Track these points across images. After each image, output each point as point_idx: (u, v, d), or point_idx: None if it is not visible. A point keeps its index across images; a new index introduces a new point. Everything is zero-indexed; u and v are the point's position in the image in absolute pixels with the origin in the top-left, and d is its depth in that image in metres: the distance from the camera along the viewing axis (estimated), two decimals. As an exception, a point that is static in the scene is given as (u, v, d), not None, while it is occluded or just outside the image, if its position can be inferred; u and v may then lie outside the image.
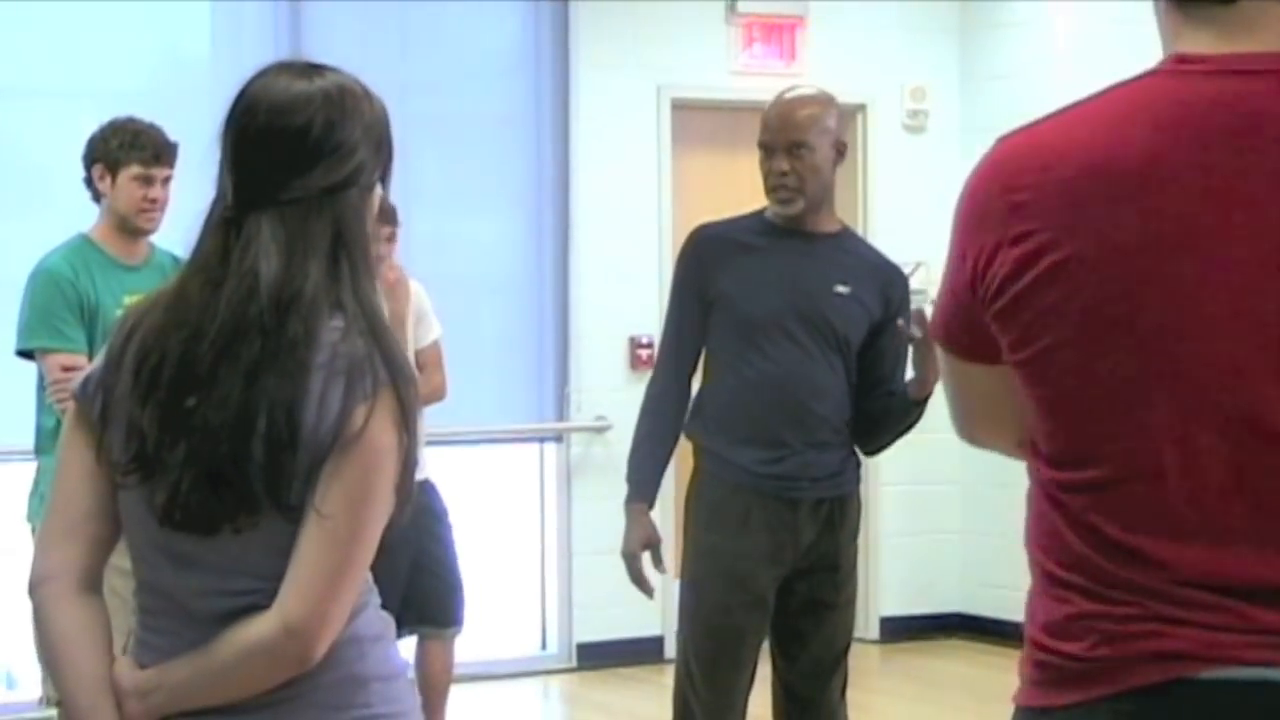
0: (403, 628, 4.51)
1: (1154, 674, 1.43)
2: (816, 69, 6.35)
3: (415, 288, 4.62)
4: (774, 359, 3.44)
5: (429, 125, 5.98)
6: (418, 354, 4.60)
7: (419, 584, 4.47)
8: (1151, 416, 1.45)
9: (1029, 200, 1.47)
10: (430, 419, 4.77)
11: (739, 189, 6.25)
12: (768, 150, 3.43)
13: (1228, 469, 1.44)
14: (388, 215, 4.31)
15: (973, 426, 1.67)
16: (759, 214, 3.56)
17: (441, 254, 6.06)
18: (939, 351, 1.66)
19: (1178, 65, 1.50)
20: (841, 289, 3.48)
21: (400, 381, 1.78)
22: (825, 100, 3.51)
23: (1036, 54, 6.49)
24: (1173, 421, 1.44)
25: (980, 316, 1.53)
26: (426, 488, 4.48)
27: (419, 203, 5.94)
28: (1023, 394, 1.53)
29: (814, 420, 3.44)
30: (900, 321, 3.31)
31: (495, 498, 6.23)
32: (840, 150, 3.49)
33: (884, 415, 3.51)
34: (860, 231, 6.38)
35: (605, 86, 6.21)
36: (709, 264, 3.47)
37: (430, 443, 4.54)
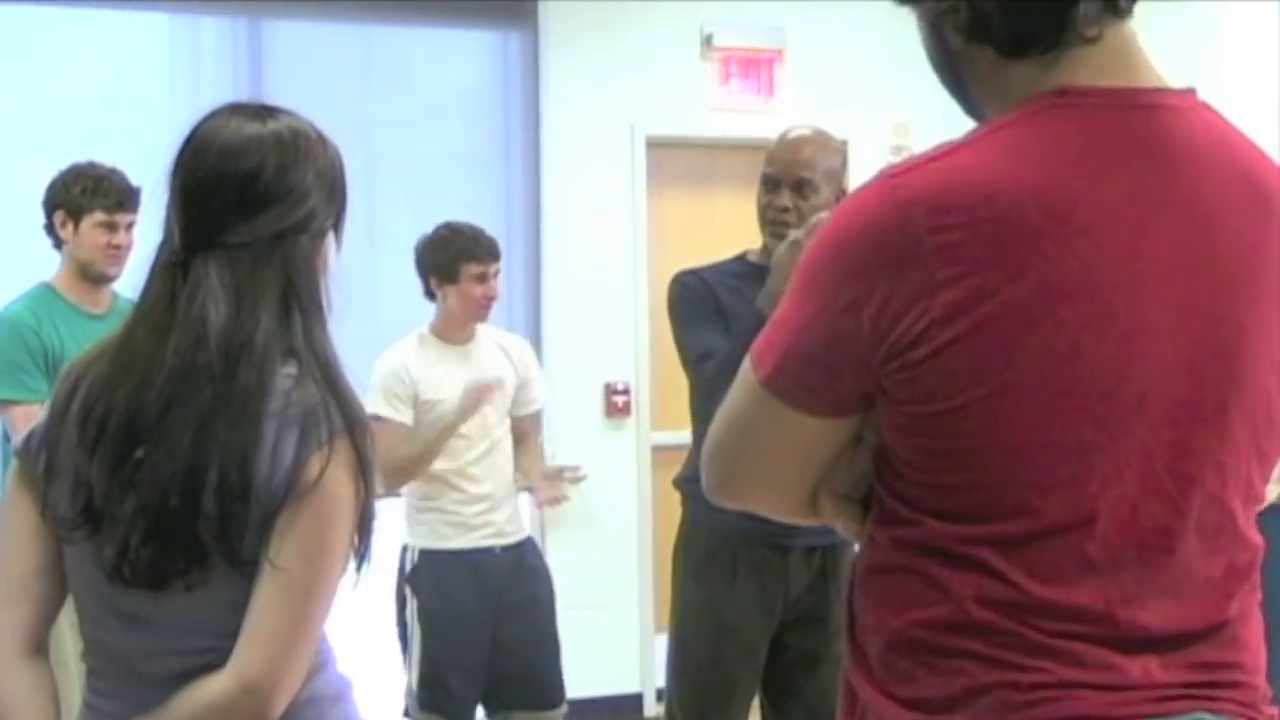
0: (493, 706, 4.44)
1: None
2: (796, 104, 6.34)
3: (519, 345, 4.63)
4: None
5: (395, 164, 5.96)
6: (517, 421, 4.57)
7: (521, 657, 4.41)
8: (1090, 465, 1.43)
9: (957, 242, 1.40)
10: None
11: (716, 229, 6.32)
12: (772, 184, 3.43)
13: (1154, 521, 1.45)
14: (489, 249, 4.39)
15: (753, 484, 1.59)
16: (740, 259, 3.58)
17: (409, 299, 5.98)
18: (745, 400, 1.54)
19: (1063, 99, 1.47)
20: None
21: (356, 430, 1.78)
22: (837, 146, 3.53)
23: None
24: (1108, 471, 1.43)
25: (866, 366, 1.46)
26: (528, 546, 4.49)
27: (384, 245, 5.91)
28: (912, 446, 1.47)
29: None
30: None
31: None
32: (839, 199, 3.50)
33: None
34: None
35: (577, 125, 6.17)
36: (714, 292, 3.48)
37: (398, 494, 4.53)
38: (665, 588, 3.80)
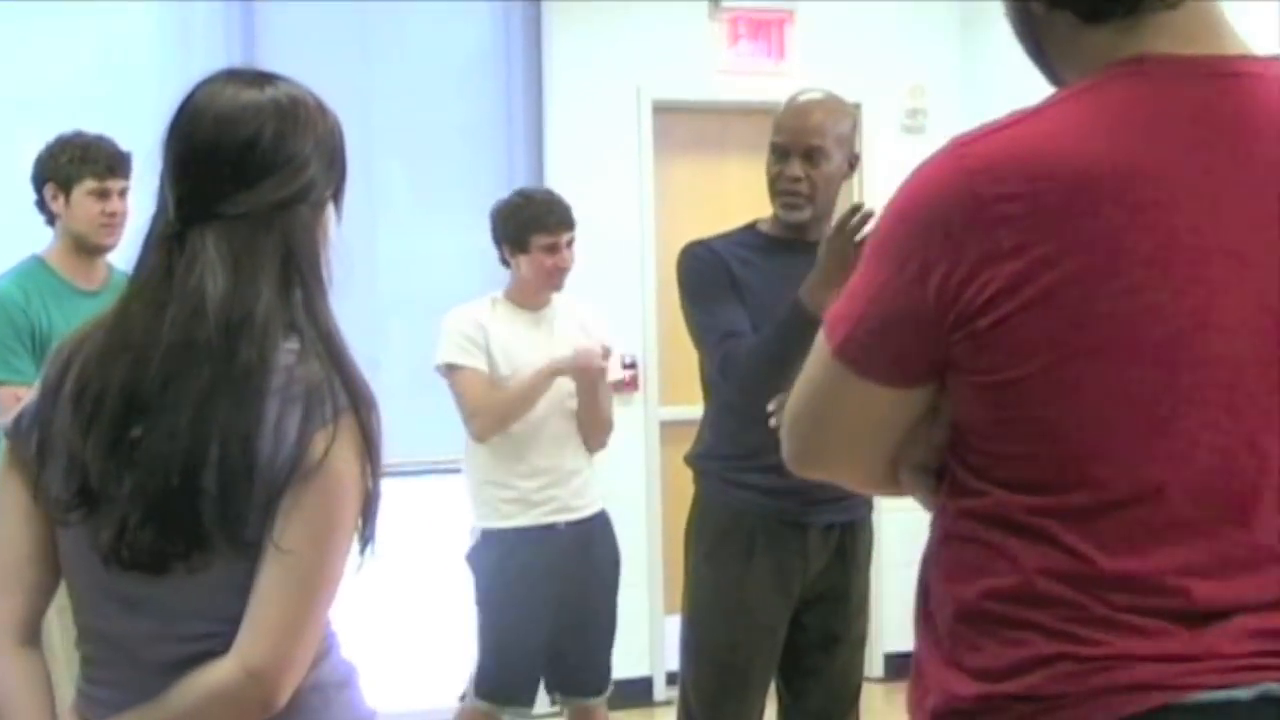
0: (549, 687, 4.46)
1: (1125, 705, 1.44)
2: (808, 67, 6.34)
3: (596, 316, 4.59)
4: None
5: (394, 135, 5.96)
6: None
7: (575, 641, 4.39)
8: (1160, 435, 1.45)
9: (1022, 212, 1.44)
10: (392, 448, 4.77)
11: (725, 196, 6.31)
12: (781, 153, 3.45)
13: (1227, 491, 1.47)
14: (560, 218, 4.40)
15: (832, 454, 1.65)
16: (750, 228, 3.60)
17: (409, 273, 6.02)
18: (819, 370, 1.60)
19: (1140, 66, 1.50)
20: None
21: (362, 407, 1.77)
22: (846, 109, 3.54)
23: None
24: (1178, 442, 1.46)
25: (934, 336, 1.50)
26: (597, 522, 4.44)
27: (385, 218, 5.92)
28: (979, 416, 1.51)
29: None
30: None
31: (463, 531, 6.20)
32: (852, 164, 3.53)
33: None
34: None
35: (581, 90, 6.16)
36: (726, 265, 3.49)
37: (393, 473, 4.52)
38: (676, 567, 3.83)
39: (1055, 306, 1.43)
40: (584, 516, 4.40)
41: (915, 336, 1.51)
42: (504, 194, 5.60)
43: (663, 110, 6.30)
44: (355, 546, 1.82)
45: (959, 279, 1.46)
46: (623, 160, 6.25)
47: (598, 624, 4.41)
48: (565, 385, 4.38)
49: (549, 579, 4.31)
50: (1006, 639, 1.49)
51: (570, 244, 4.43)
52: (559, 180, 6.07)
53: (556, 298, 4.52)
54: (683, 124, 6.38)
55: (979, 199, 1.45)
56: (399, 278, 6.01)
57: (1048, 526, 1.48)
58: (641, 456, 6.17)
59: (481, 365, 4.36)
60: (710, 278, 3.47)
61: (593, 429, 4.42)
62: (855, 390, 1.57)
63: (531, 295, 4.46)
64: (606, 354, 4.36)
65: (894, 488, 1.68)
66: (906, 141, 6.72)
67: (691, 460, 3.65)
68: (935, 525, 1.63)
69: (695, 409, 3.70)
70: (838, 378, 1.58)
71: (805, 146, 3.41)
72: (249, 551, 1.74)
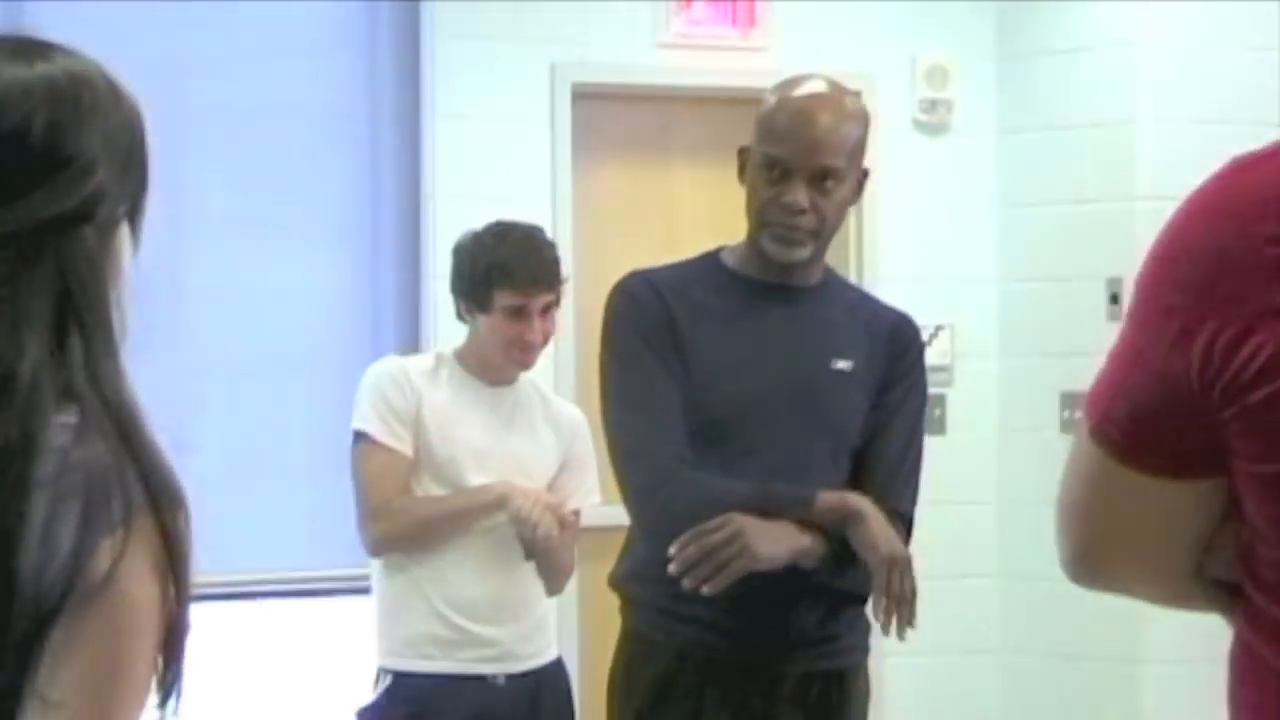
0: None
1: None
2: (786, 42, 6.38)
3: (573, 418, 4.66)
4: (747, 468, 3.49)
5: (214, 127, 6.04)
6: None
7: None
8: None
9: None
10: (222, 564, 4.74)
11: (670, 212, 6.44)
12: (781, 171, 3.48)
13: None
14: (536, 272, 4.42)
15: (1113, 560, 1.75)
16: (711, 258, 3.65)
17: (229, 314, 6.09)
18: (1082, 451, 1.71)
19: None
20: (842, 364, 3.59)
21: (164, 503, 1.75)
22: (860, 108, 3.61)
23: (1108, 22, 6.61)
24: None
25: (1202, 414, 1.58)
26: (547, 675, 4.54)
27: (197, 239, 5.97)
28: (1265, 517, 1.59)
29: None
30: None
31: (323, 666, 6.18)
32: (861, 183, 3.61)
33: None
34: (854, 273, 6.49)
35: (474, 67, 6.25)
36: (670, 315, 3.54)
37: (227, 595, 4.49)
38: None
39: None
40: (531, 668, 4.48)
41: (1180, 415, 1.60)
42: (364, 209, 5.87)
43: (587, 96, 6.39)
44: (154, 698, 1.82)
45: (1226, 342, 1.54)
46: (531, 164, 6.30)
47: None
48: (514, 454, 4.49)
49: None
50: None
51: (548, 312, 4.48)
52: (443, 187, 6.20)
53: (526, 380, 4.61)
54: (614, 115, 6.44)
55: (1250, 239, 1.53)
56: (219, 325, 6.08)
57: None
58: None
59: (401, 445, 4.42)
60: (643, 331, 3.52)
61: (549, 575, 4.55)
62: (1122, 480, 1.67)
63: (490, 366, 4.54)
64: (565, 521, 4.44)
65: (1203, 605, 1.76)
66: (920, 144, 6.83)
67: (617, 582, 3.67)
68: (1232, 654, 1.71)
69: (621, 510, 3.68)
70: (1098, 463, 1.68)
71: (816, 167, 3.46)
72: (4, 705, 1.74)
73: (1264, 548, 1.61)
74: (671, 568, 3.28)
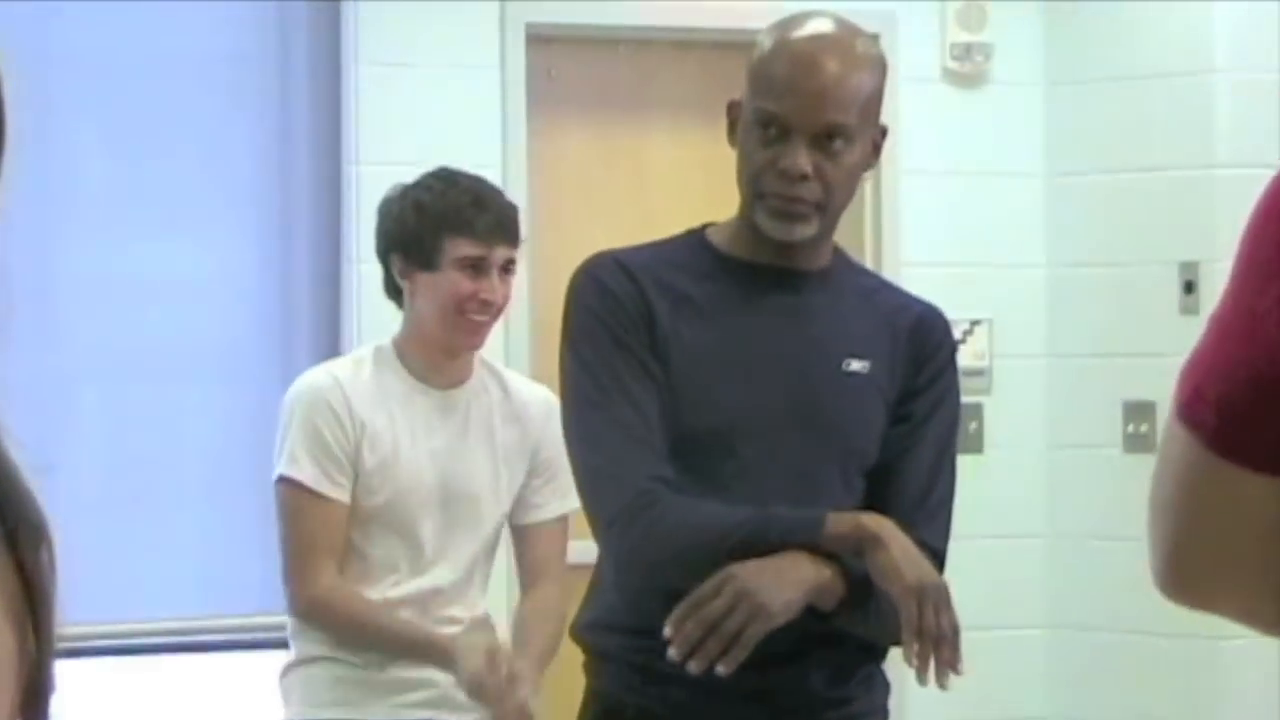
0: None
1: None
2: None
3: (542, 403, 4.58)
4: (740, 493, 3.47)
5: (87, 74, 5.99)
6: (523, 530, 4.65)
7: None
8: None
9: None
10: (96, 611, 4.71)
11: (643, 178, 6.45)
12: (779, 130, 3.47)
13: None
14: (497, 222, 4.46)
15: (1202, 572, 1.78)
16: (694, 238, 3.65)
17: (105, 307, 6.07)
18: (1170, 437, 1.75)
19: None
20: (856, 365, 3.58)
21: (21, 536, 1.76)
22: (876, 53, 3.61)
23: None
24: None
25: None
26: None
27: (67, 216, 5.96)
28: None
29: None
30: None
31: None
32: (877, 145, 3.61)
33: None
34: (870, 258, 6.49)
35: (407, 2, 6.23)
36: (647, 307, 3.53)
37: (101, 650, 4.51)
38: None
39: None
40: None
41: (1275, 396, 1.64)
42: (271, 178, 5.98)
43: (544, 41, 6.38)
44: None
45: None
46: (477, 123, 6.27)
47: None
48: (468, 485, 4.52)
49: None
50: None
51: (507, 274, 4.49)
52: (369, 148, 6.19)
53: (483, 369, 4.60)
54: (577, 64, 6.44)
55: None
56: (93, 320, 6.07)
57: None
58: (503, 600, 5.88)
59: (338, 494, 4.44)
60: (622, 329, 3.50)
61: (527, 627, 4.59)
62: (1217, 474, 1.70)
63: (437, 354, 4.52)
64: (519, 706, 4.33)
65: None
66: (952, 98, 6.83)
67: (581, 634, 3.66)
68: None
69: (586, 542, 3.71)
70: (1189, 451, 1.71)
71: (821, 125, 3.45)
72: None
73: None
74: (672, 652, 3.25)
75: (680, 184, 6.35)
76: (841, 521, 3.36)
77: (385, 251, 4.52)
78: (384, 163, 6.08)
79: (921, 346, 3.62)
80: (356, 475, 4.42)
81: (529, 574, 4.64)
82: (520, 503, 4.59)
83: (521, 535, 4.63)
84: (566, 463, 4.05)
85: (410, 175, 5.41)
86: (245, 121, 6.28)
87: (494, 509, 4.55)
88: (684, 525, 3.39)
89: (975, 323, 6.73)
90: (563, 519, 4.61)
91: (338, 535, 4.41)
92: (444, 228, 4.40)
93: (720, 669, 3.23)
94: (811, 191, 3.44)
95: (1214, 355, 1.69)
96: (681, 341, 3.49)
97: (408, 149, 6.11)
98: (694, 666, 3.23)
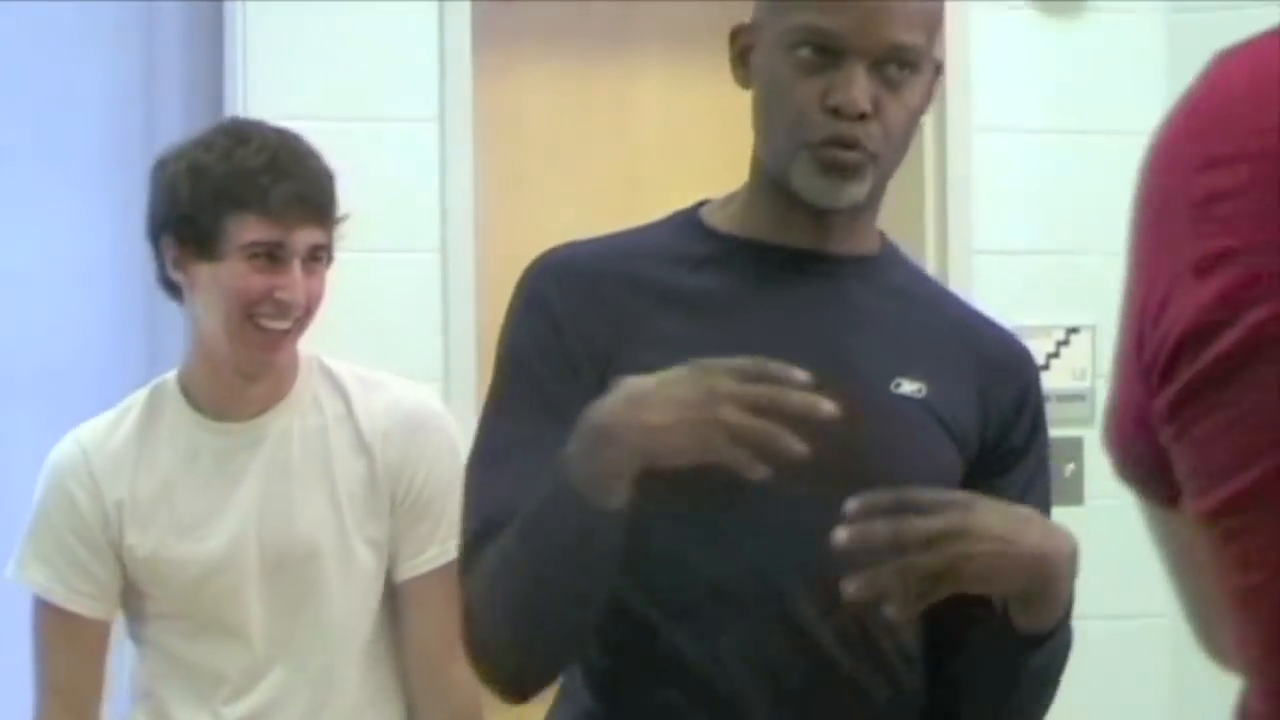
0: None
1: None
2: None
3: (402, 417, 4.27)
4: (754, 547, 3.27)
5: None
6: (404, 590, 4.25)
7: None
8: None
9: (1234, 188, 1.70)
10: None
11: (632, 138, 6.46)
12: (824, 54, 3.23)
13: None
14: (296, 192, 4.10)
15: (1209, 626, 1.90)
16: (687, 220, 3.44)
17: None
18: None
19: None
20: (909, 387, 3.38)
21: None
22: None
23: None
24: None
25: (1151, 416, 1.81)
26: None
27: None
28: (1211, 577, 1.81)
29: (829, 656, 3.28)
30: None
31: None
32: (932, 87, 3.42)
33: (982, 672, 3.34)
34: (931, 245, 6.55)
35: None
36: (609, 317, 3.33)
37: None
38: None
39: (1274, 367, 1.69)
40: None
41: (1144, 417, 1.84)
42: (132, 139, 5.99)
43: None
44: None
45: (1153, 310, 1.79)
46: (408, 65, 6.24)
47: None
48: (299, 543, 4.18)
49: None
50: None
51: (315, 263, 4.13)
52: (259, 107, 5.91)
53: (316, 378, 4.29)
54: (528, 9, 6.38)
55: (1189, 159, 1.75)
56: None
57: None
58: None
59: (90, 608, 4.19)
60: (546, 371, 3.34)
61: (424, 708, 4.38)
62: (1157, 523, 1.95)
63: (229, 375, 4.15)
64: None
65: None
66: (1040, 28, 6.63)
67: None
68: None
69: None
70: (1141, 508, 1.99)
71: (885, 45, 3.24)
72: None
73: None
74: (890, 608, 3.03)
75: (676, 140, 6.36)
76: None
77: (155, 235, 4.15)
78: (278, 117, 5.41)
79: (1009, 384, 3.44)
80: (124, 568, 4.16)
81: (418, 656, 4.22)
82: (393, 556, 4.22)
83: (403, 597, 4.22)
84: (452, 489, 3.88)
85: (316, 131, 5.05)
86: (98, 62, 6.12)
87: (347, 570, 4.17)
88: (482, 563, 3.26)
89: (1073, 330, 6.47)
90: (443, 570, 4.10)
91: (96, 657, 4.22)
92: (226, 201, 4.04)
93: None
94: (871, 136, 3.24)
95: (1113, 392, 1.89)
96: (678, 351, 3.15)
97: (310, 98, 6.08)
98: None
